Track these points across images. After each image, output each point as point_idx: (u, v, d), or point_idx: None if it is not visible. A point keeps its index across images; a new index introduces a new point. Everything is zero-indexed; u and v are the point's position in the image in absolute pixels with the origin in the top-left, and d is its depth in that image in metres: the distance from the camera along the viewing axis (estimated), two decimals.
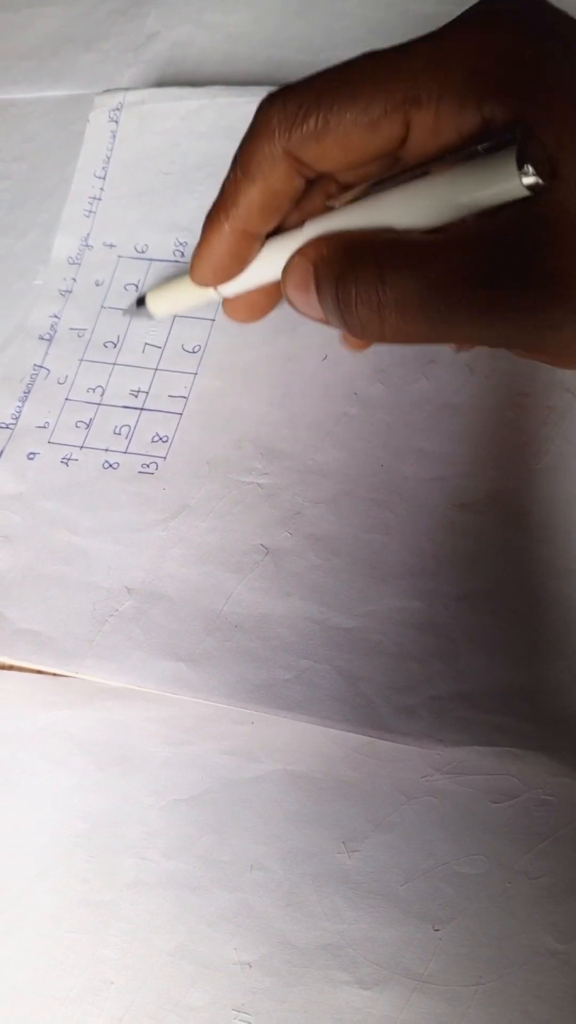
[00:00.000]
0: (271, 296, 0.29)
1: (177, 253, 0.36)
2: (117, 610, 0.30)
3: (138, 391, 0.34)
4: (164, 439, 0.33)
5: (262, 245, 0.26)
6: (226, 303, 0.29)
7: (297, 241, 0.25)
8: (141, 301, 0.32)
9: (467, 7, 0.35)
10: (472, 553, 0.29)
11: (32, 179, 0.41)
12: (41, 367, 0.35)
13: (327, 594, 0.29)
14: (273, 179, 0.24)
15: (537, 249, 0.21)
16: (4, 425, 0.34)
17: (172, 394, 0.33)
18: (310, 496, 0.30)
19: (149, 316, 0.32)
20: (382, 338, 0.23)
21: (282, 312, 0.34)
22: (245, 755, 0.28)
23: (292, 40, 0.41)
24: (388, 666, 0.27)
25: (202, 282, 0.27)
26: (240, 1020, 0.25)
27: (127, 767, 0.29)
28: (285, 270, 0.25)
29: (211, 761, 0.28)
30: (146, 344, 0.35)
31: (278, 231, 0.26)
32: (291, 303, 0.25)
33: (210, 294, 0.28)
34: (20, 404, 0.35)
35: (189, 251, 0.36)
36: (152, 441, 0.33)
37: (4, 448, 0.34)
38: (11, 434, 0.34)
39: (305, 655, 0.28)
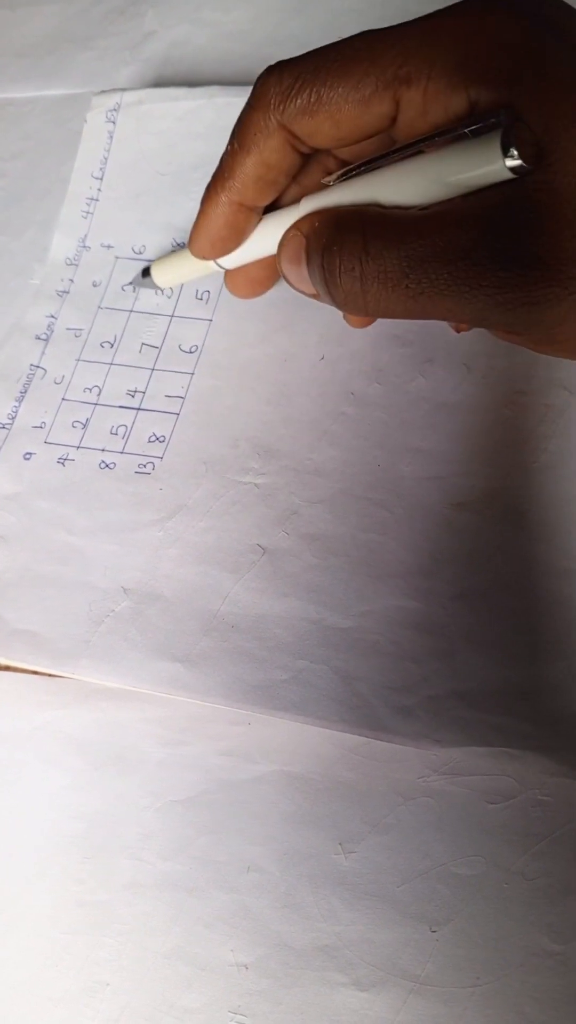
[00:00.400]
0: (271, 270, 0.29)
1: None
2: (113, 610, 0.30)
3: (135, 391, 0.34)
4: (161, 439, 0.33)
5: (259, 219, 0.27)
6: (227, 278, 0.30)
7: (293, 216, 0.26)
8: (146, 272, 0.33)
9: None
10: (469, 552, 0.29)
11: (29, 177, 0.41)
12: (38, 367, 0.35)
13: (324, 594, 0.29)
14: (268, 151, 0.24)
15: (520, 228, 0.21)
16: (0, 425, 0.34)
17: (169, 394, 0.33)
18: (307, 496, 0.30)
19: (154, 286, 0.33)
20: (365, 310, 0.24)
21: (279, 311, 0.34)
22: (241, 756, 0.28)
23: (290, 38, 0.41)
24: (385, 666, 0.27)
25: (200, 254, 0.28)
26: (236, 1022, 0.25)
27: (123, 767, 0.29)
28: (281, 244, 0.26)
29: (207, 762, 0.28)
30: (143, 344, 0.35)
31: (276, 206, 0.27)
32: (285, 277, 0.26)
33: (211, 266, 0.29)
34: (16, 404, 0.35)
35: None
36: (149, 441, 0.33)
37: (0, 448, 0.34)
38: (7, 434, 0.34)
39: (302, 655, 0.28)
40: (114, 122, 0.39)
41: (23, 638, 0.30)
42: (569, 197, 0.21)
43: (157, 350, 0.34)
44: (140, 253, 0.37)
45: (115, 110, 0.39)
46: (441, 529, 0.29)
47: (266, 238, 0.27)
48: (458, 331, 0.31)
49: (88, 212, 0.38)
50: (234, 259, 0.28)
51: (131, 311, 0.35)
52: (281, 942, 0.26)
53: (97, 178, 0.38)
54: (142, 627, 0.29)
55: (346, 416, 0.31)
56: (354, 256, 0.23)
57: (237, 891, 0.26)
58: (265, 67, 0.24)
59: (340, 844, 0.26)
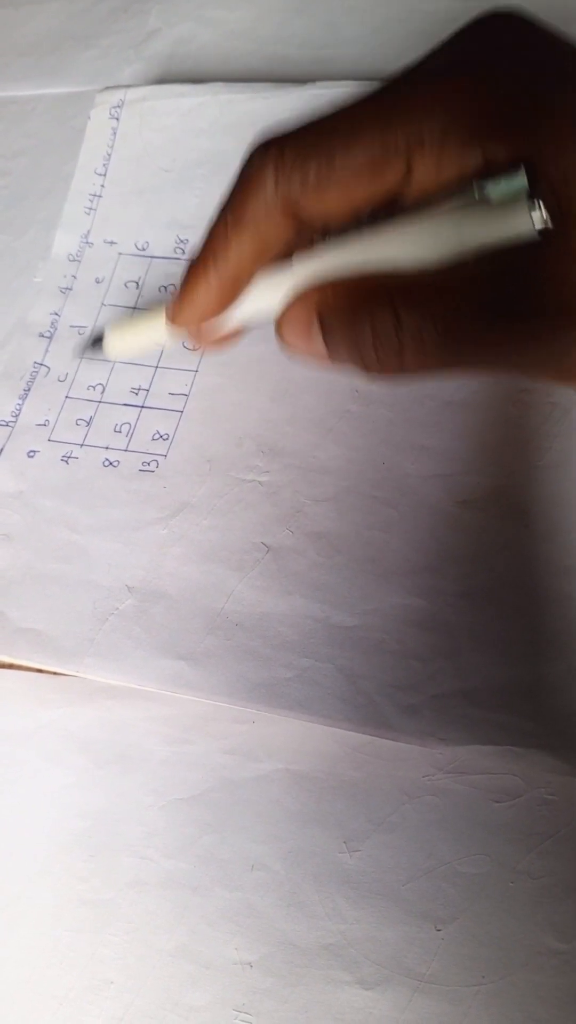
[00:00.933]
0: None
1: (178, 251, 0.36)
2: (118, 608, 0.30)
3: (138, 389, 0.34)
4: (165, 437, 0.33)
5: (241, 293, 0.26)
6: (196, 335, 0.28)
7: (287, 280, 0.24)
8: (97, 342, 0.30)
9: (468, 4, 0.35)
10: (474, 550, 0.29)
11: (32, 176, 0.41)
12: (41, 364, 0.35)
13: (328, 592, 0.29)
14: (268, 231, 0.23)
15: (547, 281, 0.21)
16: (4, 423, 0.34)
17: (173, 391, 0.33)
18: (311, 494, 0.30)
19: (104, 357, 0.31)
20: (401, 376, 0.23)
21: None
22: (246, 754, 0.28)
23: (294, 36, 0.41)
24: (390, 664, 0.27)
25: (184, 325, 0.26)
26: (241, 1020, 0.25)
27: (127, 766, 0.29)
28: (282, 317, 0.24)
29: (211, 760, 0.28)
30: None
31: None
32: (288, 347, 0.25)
33: (178, 335, 0.27)
34: (20, 402, 0.35)
35: (190, 248, 0.36)
36: (153, 439, 0.33)
37: (4, 446, 0.34)
38: (11, 432, 0.34)
39: (306, 653, 0.28)
40: (118, 118, 0.39)
41: (27, 636, 0.30)
42: None
43: (161, 347, 0.34)
44: (143, 249, 0.37)
45: (119, 106, 0.39)
46: (446, 527, 0.29)
47: (256, 302, 0.25)
48: None
49: (91, 208, 0.38)
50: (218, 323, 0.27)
51: (135, 308, 0.35)
52: (286, 940, 0.26)
53: (100, 174, 0.38)
54: (146, 625, 0.29)
55: (351, 414, 0.31)
56: (388, 330, 0.22)
57: (241, 889, 0.26)
58: (258, 139, 0.23)
59: (345, 842, 0.26)
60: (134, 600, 0.30)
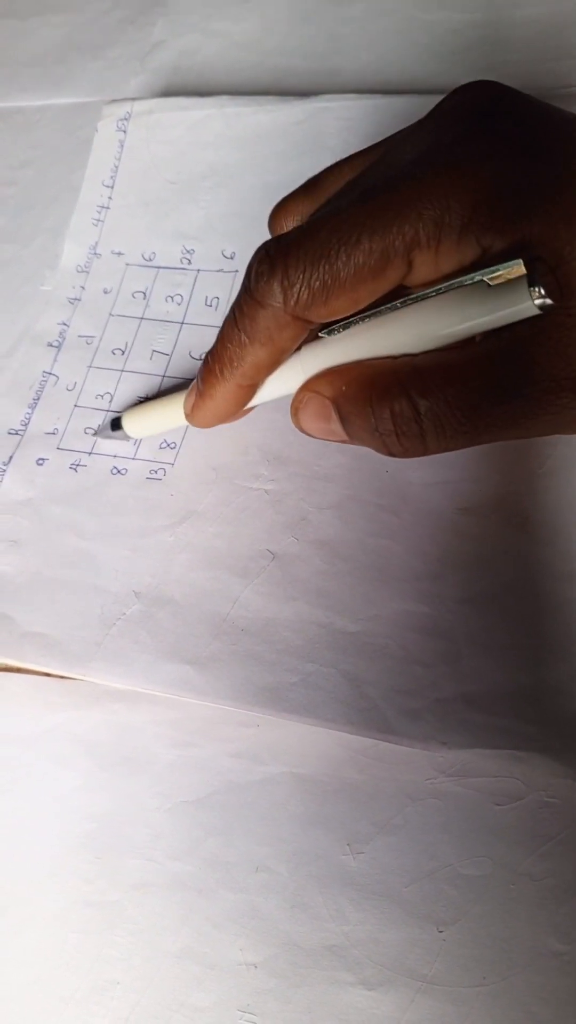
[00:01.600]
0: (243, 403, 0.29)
1: (184, 261, 0.37)
2: (124, 614, 0.30)
3: (146, 398, 0.34)
4: (172, 445, 0.33)
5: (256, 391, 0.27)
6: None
7: (295, 372, 0.26)
8: (116, 424, 0.32)
9: (470, 15, 0.35)
10: (476, 557, 0.29)
11: (38, 185, 0.42)
12: (50, 374, 0.36)
13: (332, 598, 0.29)
14: (281, 341, 0.24)
15: (551, 353, 0.22)
16: (14, 431, 0.35)
17: None
18: (316, 501, 0.31)
19: (125, 437, 0.32)
20: (425, 454, 0.24)
21: None
22: (251, 757, 0.28)
23: (299, 48, 0.42)
24: (393, 669, 0.28)
25: (201, 425, 0.28)
26: (245, 1020, 0.25)
27: (133, 769, 0.29)
28: (298, 408, 0.26)
29: (217, 763, 0.28)
30: (154, 351, 0.35)
31: None
32: (304, 431, 0.26)
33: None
34: (30, 411, 0.35)
35: (196, 259, 0.36)
36: (160, 447, 0.33)
37: (13, 454, 0.34)
38: (20, 440, 0.34)
39: (311, 659, 0.28)
40: (125, 131, 0.39)
41: (35, 640, 0.30)
42: None
43: (168, 357, 0.35)
44: (150, 260, 0.37)
45: (126, 119, 0.39)
46: (448, 534, 0.29)
47: (266, 390, 0.27)
48: None
49: (99, 220, 0.38)
50: None
51: (142, 318, 0.36)
52: (290, 942, 0.26)
53: (108, 186, 0.39)
54: (153, 630, 0.30)
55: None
56: (407, 415, 0.23)
57: (246, 891, 0.27)
58: (259, 252, 0.23)
59: (348, 845, 0.27)
60: (141, 605, 0.30)
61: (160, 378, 0.34)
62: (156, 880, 0.27)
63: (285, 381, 0.26)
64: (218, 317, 0.35)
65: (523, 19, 0.39)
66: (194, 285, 0.36)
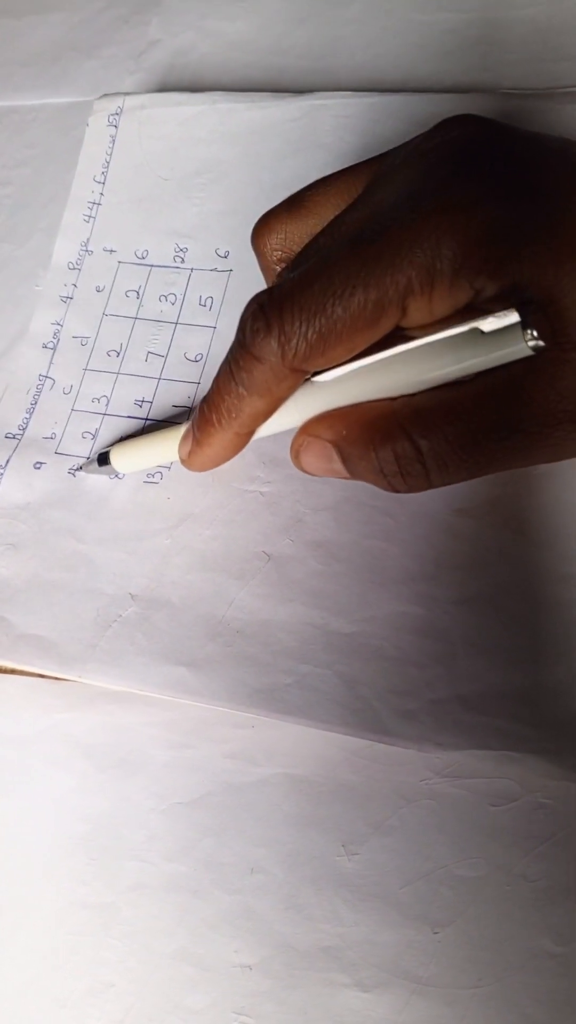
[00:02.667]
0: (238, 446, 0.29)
1: (177, 259, 0.36)
2: (120, 616, 0.30)
3: (142, 401, 0.34)
4: None
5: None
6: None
7: (291, 413, 0.26)
8: (103, 459, 0.32)
9: (466, 16, 0.35)
10: (471, 558, 0.29)
11: (34, 185, 0.41)
12: (47, 377, 0.35)
13: (328, 599, 0.29)
14: (279, 392, 0.25)
15: (551, 390, 0.22)
16: (11, 435, 0.34)
17: (176, 404, 0.34)
18: (311, 503, 0.31)
19: (112, 472, 0.32)
20: (429, 488, 0.25)
21: None
22: (246, 759, 0.28)
23: (293, 47, 0.42)
24: (388, 670, 0.28)
25: (198, 471, 0.29)
26: (240, 1022, 0.25)
27: (128, 770, 0.29)
28: (297, 448, 0.26)
29: (212, 765, 0.28)
30: (149, 353, 0.35)
31: None
32: (307, 472, 0.27)
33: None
34: (27, 415, 0.35)
35: (189, 257, 0.36)
36: None
37: (11, 458, 0.34)
38: (18, 444, 0.34)
39: (306, 660, 0.28)
40: (116, 126, 0.39)
41: (31, 642, 0.30)
42: None
43: (163, 359, 0.35)
44: (143, 258, 0.37)
45: (117, 114, 0.39)
46: (443, 535, 0.29)
47: (262, 430, 0.27)
48: None
49: (90, 216, 0.38)
50: None
51: (136, 318, 0.36)
52: (285, 943, 0.26)
53: (99, 182, 0.39)
54: (148, 632, 0.30)
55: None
56: (411, 457, 0.24)
57: (241, 893, 0.27)
58: (252, 305, 0.24)
59: (343, 846, 0.27)
60: (137, 608, 0.30)
61: (156, 380, 0.34)
62: (151, 882, 0.27)
63: (280, 422, 0.27)
64: (212, 317, 0.35)
65: (520, 20, 0.39)
66: (188, 284, 0.36)
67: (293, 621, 0.29)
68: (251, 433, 0.27)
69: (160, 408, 0.34)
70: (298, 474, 0.31)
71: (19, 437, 0.34)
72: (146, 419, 0.34)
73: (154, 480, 0.32)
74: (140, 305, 0.36)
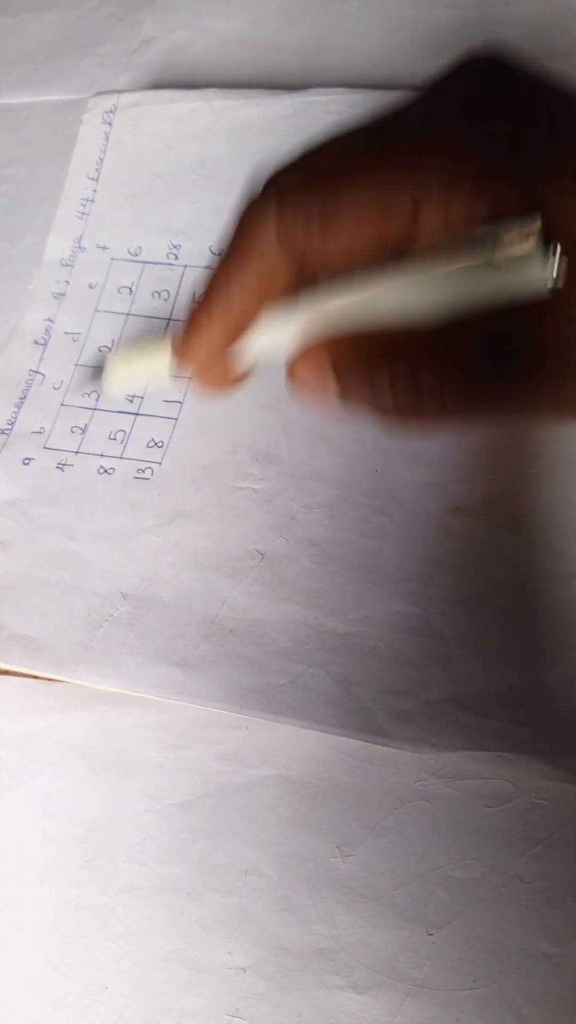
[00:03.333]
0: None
1: (171, 256, 0.36)
2: (112, 615, 0.30)
3: (133, 396, 0.34)
4: (159, 444, 0.33)
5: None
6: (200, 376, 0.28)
7: (294, 320, 0.24)
8: (98, 372, 0.30)
9: (461, 13, 0.35)
10: (467, 558, 0.29)
11: (28, 183, 0.41)
12: (36, 372, 0.35)
13: (322, 599, 0.29)
14: (272, 272, 0.23)
15: (564, 331, 0.21)
16: (0, 431, 0.34)
17: (167, 399, 0.33)
18: (305, 501, 0.30)
19: (101, 389, 0.31)
20: (420, 421, 0.23)
21: None
22: (240, 760, 0.28)
23: (288, 45, 0.41)
24: (383, 671, 0.28)
25: (190, 360, 0.26)
26: None
27: (121, 771, 0.29)
28: (293, 366, 0.24)
29: (206, 766, 0.28)
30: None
31: None
32: (299, 390, 0.25)
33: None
34: (16, 410, 0.35)
35: (183, 254, 0.36)
36: (147, 446, 0.33)
37: None
38: (6, 439, 0.34)
39: (300, 660, 0.28)
40: (110, 123, 0.39)
41: (22, 643, 0.30)
42: None
43: (162, 383, 0.34)
44: (136, 255, 0.37)
45: (111, 112, 0.39)
46: (439, 534, 0.29)
47: (262, 341, 0.25)
48: None
49: (84, 213, 0.38)
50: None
51: (128, 314, 0.36)
52: (279, 945, 0.26)
53: (93, 179, 0.39)
54: (141, 632, 0.29)
55: (344, 422, 0.32)
56: (407, 382, 0.22)
57: (235, 894, 0.27)
58: (258, 179, 0.22)
59: (338, 847, 0.27)
60: (129, 607, 0.30)
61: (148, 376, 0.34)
62: (145, 883, 0.27)
63: (281, 331, 0.25)
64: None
65: (514, 17, 0.39)
66: (181, 281, 0.36)
67: (287, 621, 0.29)
68: (240, 321, 0.24)
69: (151, 403, 0.34)
70: (291, 471, 0.31)
71: (7, 432, 0.34)
72: (137, 413, 0.34)
73: (144, 476, 0.32)
74: (133, 301, 0.36)
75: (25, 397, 0.35)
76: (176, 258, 0.36)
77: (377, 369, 0.23)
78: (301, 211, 0.22)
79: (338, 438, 0.31)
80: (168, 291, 0.35)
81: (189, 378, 0.33)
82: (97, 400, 0.34)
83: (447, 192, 0.21)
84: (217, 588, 0.30)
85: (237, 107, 0.38)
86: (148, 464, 0.32)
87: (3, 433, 0.34)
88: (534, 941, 0.25)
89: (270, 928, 0.26)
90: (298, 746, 0.28)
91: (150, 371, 0.28)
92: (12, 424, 0.34)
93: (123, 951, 0.27)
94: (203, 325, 0.25)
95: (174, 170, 0.38)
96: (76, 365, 0.35)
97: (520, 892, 0.25)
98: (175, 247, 0.36)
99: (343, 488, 0.30)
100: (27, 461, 0.34)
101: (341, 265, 0.23)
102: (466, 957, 0.25)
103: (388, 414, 0.23)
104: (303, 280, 0.24)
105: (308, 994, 0.25)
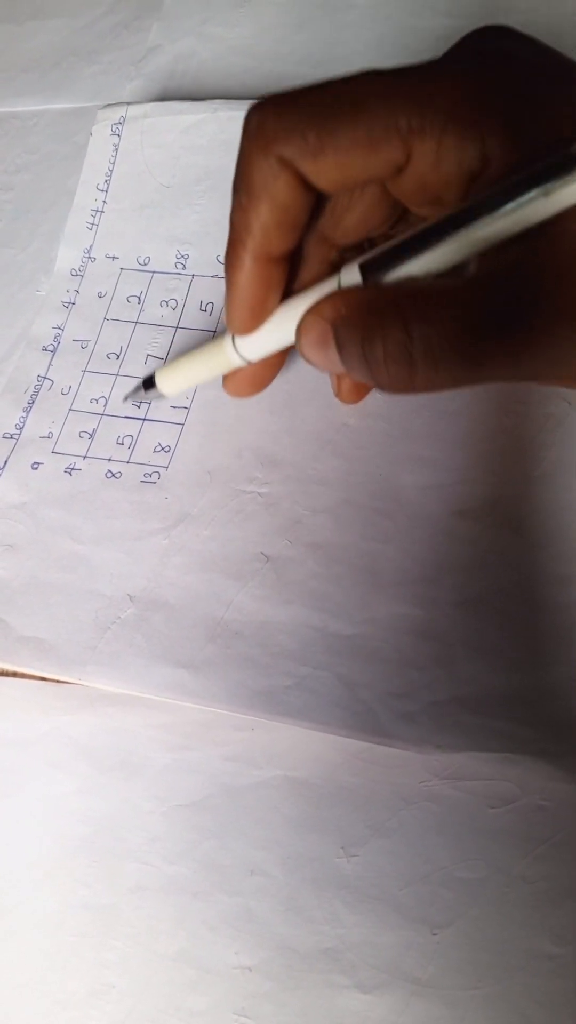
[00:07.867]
0: (273, 367, 0.29)
1: (178, 265, 0.37)
2: (119, 617, 0.30)
3: (140, 402, 0.34)
4: (166, 449, 0.33)
5: (287, 275, 0.26)
6: (226, 379, 0.29)
7: (310, 300, 0.25)
8: (148, 384, 0.31)
9: (463, 22, 0.36)
10: (471, 560, 0.29)
11: (34, 190, 0.42)
12: (45, 378, 0.36)
13: (327, 601, 0.29)
14: (279, 193, 0.23)
15: (559, 280, 0.21)
16: (8, 435, 0.35)
17: (174, 404, 0.34)
18: (310, 504, 0.31)
19: (159, 397, 0.31)
20: (412, 389, 0.23)
21: None
22: (246, 761, 0.28)
23: (293, 53, 0.42)
24: (387, 672, 0.28)
25: (242, 328, 0.26)
26: None
27: (128, 772, 0.29)
28: (299, 329, 0.24)
29: (212, 767, 0.28)
30: (148, 355, 0.35)
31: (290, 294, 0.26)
32: (308, 360, 0.25)
33: (230, 362, 0.28)
34: (24, 414, 0.35)
35: (190, 263, 0.36)
36: (154, 451, 0.33)
37: (8, 458, 0.34)
38: (15, 444, 0.34)
39: (305, 662, 0.28)
40: (119, 135, 0.39)
41: (30, 644, 0.30)
42: None
43: (162, 361, 0.35)
44: (144, 264, 0.37)
45: (120, 123, 0.39)
46: (443, 537, 0.29)
47: (286, 325, 0.26)
48: None
49: (93, 224, 0.38)
50: (258, 349, 0.27)
51: (136, 323, 0.36)
52: (284, 945, 0.26)
53: (102, 190, 0.39)
54: (147, 634, 0.30)
55: (348, 426, 0.32)
56: (399, 342, 0.22)
57: (241, 894, 0.27)
58: (257, 103, 0.22)
59: (343, 848, 0.27)
60: (135, 609, 0.30)
61: None
62: (152, 883, 0.27)
63: (300, 311, 0.25)
64: (212, 322, 0.35)
65: (516, 24, 0.39)
66: (188, 290, 0.36)
67: (292, 623, 0.29)
68: (268, 261, 0.25)
69: (158, 408, 0.34)
70: (296, 475, 0.31)
71: (16, 437, 0.35)
72: (144, 418, 0.34)
73: (151, 480, 0.33)
74: (141, 310, 0.36)
75: (33, 402, 0.35)
76: (184, 267, 0.36)
77: (370, 334, 0.22)
78: (297, 130, 0.22)
79: (342, 442, 0.32)
80: (176, 300, 0.36)
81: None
82: (147, 411, 0.34)
83: (439, 135, 0.21)
84: (223, 590, 0.30)
85: (242, 118, 0.38)
86: (155, 468, 0.33)
87: (12, 437, 0.35)
88: (538, 941, 0.25)
89: (275, 928, 0.26)
90: (303, 747, 0.28)
91: (207, 373, 0.29)
92: (21, 428, 0.35)
93: (130, 951, 0.27)
94: (237, 274, 0.25)
95: (181, 181, 0.38)
96: (81, 348, 0.36)
97: (524, 892, 0.25)
98: (183, 256, 0.37)
99: (347, 491, 0.31)
100: (36, 465, 0.34)
101: (333, 190, 0.23)
102: (471, 957, 0.25)
103: (379, 379, 0.23)
104: (319, 201, 0.24)
105: (313, 993, 0.25)
